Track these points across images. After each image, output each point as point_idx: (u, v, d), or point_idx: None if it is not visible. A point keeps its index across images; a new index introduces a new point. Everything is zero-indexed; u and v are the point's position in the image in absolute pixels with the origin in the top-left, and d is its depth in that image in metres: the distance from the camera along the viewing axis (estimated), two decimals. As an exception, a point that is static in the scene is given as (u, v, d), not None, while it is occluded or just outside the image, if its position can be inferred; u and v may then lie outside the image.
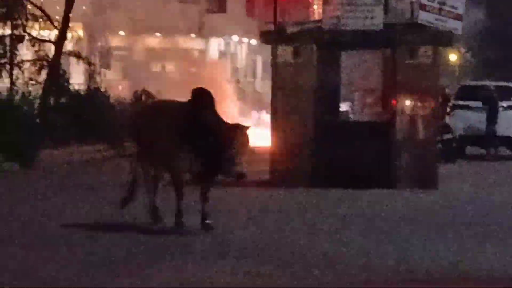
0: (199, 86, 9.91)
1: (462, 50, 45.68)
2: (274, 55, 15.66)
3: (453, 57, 42.80)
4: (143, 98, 22.44)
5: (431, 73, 15.65)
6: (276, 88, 15.62)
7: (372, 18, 15.64)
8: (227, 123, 8.69)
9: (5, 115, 19.14)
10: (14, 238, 8.53)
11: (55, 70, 25.84)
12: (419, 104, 15.03)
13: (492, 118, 22.02)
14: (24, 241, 8.46)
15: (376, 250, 7.80)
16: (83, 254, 7.28)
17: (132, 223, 9.37)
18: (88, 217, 10.36)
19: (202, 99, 8.90)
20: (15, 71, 26.53)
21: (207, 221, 8.45)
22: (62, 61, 27.45)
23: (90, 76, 28.36)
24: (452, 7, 16.37)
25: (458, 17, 16.39)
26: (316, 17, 23.52)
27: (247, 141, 8.58)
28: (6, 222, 10.12)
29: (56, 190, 14.00)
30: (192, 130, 8.59)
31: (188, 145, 8.61)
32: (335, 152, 14.71)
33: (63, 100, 24.82)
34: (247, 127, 8.94)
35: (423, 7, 15.44)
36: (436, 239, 8.82)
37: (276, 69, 15.70)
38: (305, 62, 15.40)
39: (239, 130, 8.51)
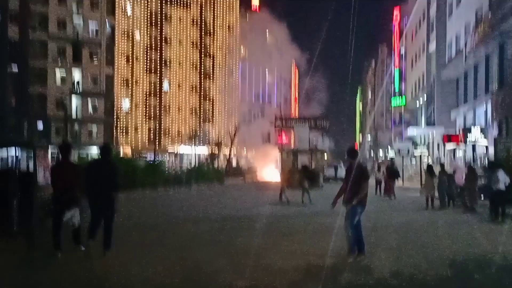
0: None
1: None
2: (281, 154, 33.81)
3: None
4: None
5: (321, 160, 35.55)
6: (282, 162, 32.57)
7: (305, 146, 33.22)
8: None
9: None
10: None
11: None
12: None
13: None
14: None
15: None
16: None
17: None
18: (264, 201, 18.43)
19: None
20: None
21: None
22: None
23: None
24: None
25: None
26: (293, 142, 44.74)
27: None
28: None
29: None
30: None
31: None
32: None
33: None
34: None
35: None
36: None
37: (282, 157, 33.23)
38: (289, 157, 31.64)
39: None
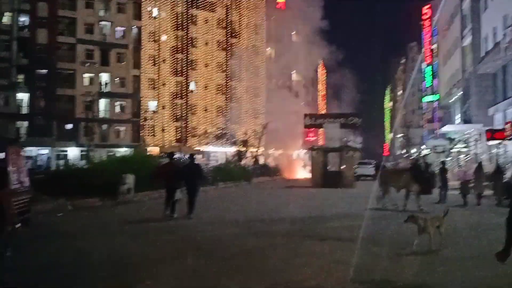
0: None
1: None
2: (311, 153, 31.73)
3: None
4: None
5: (353, 158, 30.66)
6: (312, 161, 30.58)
7: (336, 145, 32.67)
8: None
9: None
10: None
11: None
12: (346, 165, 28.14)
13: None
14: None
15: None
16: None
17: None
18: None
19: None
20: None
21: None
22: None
23: None
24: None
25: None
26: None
27: None
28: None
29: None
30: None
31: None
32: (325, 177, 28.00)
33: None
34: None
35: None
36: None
37: (312, 156, 31.17)
38: (320, 155, 29.64)
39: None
